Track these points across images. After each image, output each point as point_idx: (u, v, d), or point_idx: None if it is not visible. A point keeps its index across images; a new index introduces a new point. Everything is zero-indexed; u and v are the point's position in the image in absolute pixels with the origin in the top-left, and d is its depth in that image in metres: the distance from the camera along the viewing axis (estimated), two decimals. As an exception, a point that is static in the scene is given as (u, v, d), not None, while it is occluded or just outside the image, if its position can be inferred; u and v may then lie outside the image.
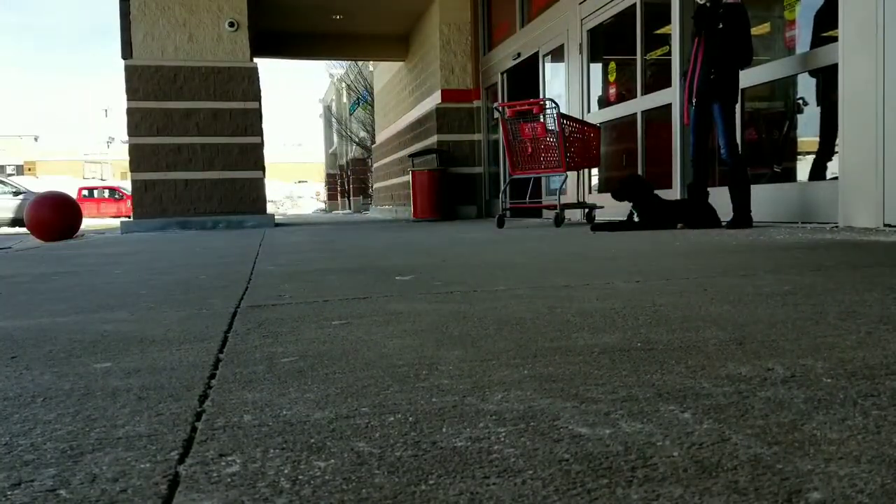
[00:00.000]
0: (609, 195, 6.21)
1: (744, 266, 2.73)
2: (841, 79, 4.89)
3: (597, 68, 9.29)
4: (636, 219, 5.80)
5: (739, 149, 5.48)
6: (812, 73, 5.61)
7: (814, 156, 5.78)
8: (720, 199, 5.57)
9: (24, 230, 10.64)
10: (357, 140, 32.05)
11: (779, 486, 0.70)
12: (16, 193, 17.94)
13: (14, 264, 4.51)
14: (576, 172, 7.89)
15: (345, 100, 31.14)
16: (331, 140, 43.08)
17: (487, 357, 1.32)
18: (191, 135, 10.30)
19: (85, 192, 29.68)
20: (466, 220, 9.27)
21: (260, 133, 10.60)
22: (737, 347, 1.32)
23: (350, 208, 32.95)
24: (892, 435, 0.83)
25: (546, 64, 10.23)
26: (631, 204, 5.87)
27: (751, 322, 1.56)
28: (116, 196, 30.12)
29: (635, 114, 7.99)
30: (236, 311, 1.99)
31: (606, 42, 9.18)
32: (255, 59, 10.94)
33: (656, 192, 5.95)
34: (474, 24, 12.44)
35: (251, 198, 10.58)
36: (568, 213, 8.20)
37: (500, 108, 7.86)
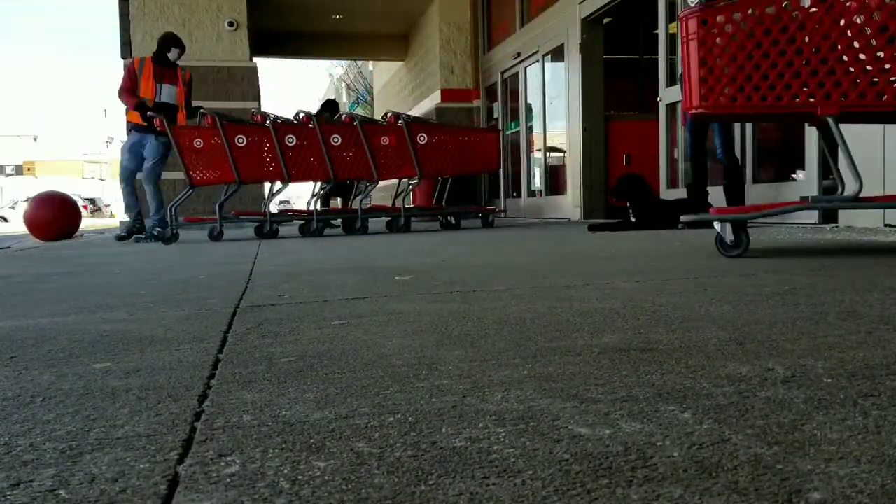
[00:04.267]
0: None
1: (744, 266, 2.73)
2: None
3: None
4: (633, 218, 5.80)
5: (736, 149, 5.50)
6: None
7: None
8: (720, 198, 5.58)
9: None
10: (356, 140, 31.93)
11: (779, 486, 0.70)
12: None
13: (13, 264, 4.51)
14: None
15: (344, 99, 31.13)
16: (330, 140, 42.97)
17: (487, 357, 1.32)
18: (190, 134, 10.27)
19: None
20: (466, 220, 9.27)
21: (259, 133, 10.58)
22: (737, 347, 1.32)
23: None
24: (892, 435, 0.83)
25: (546, 64, 10.23)
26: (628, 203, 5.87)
27: (751, 322, 1.56)
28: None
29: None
30: (235, 311, 1.99)
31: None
32: (255, 59, 10.94)
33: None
34: (474, 24, 12.44)
35: (250, 198, 10.57)
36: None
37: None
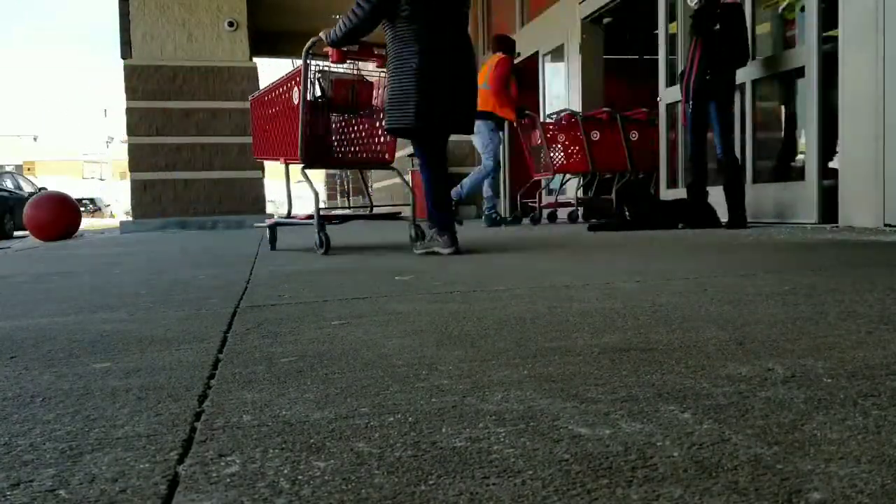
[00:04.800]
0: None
1: (744, 266, 2.73)
2: (841, 78, 4.90)
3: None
4: (629, 218, 5.82)
5: (736, 149, 5.51)
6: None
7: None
8: (720, 198, 5.58)
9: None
10: (357, 140, 31.89)
11: (779, 486, 0.70)
12: None
13: (13, 264, 4.51)
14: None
15: (344, 100, 31.08)
16: (330, 140, 42.92)
17: (487, 357, 1.32)
18: (190, 134, 10.30)
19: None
20: (466, 220, 9.29)
21: (259, 133, 10.60)
22: (737, 347, 1.32)
23: (350, 208, 32.87)
24: (892, 435, 0.83)
25: (546, 64, 10.22)
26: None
27: (751, 322, 1.56)
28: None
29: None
30: (235, 311, 1.99)
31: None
32: (255, 59, 10.94)
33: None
34: (474, 25, 12.43)
35: (251, 198, 10.59)
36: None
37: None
